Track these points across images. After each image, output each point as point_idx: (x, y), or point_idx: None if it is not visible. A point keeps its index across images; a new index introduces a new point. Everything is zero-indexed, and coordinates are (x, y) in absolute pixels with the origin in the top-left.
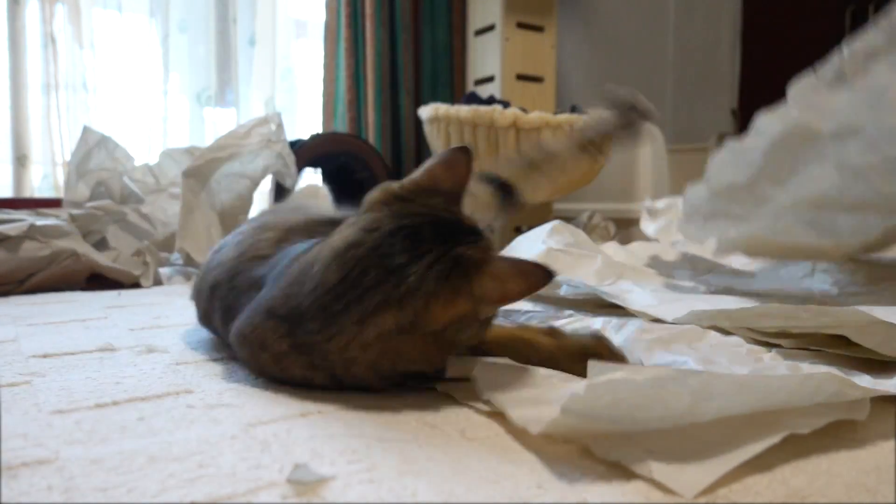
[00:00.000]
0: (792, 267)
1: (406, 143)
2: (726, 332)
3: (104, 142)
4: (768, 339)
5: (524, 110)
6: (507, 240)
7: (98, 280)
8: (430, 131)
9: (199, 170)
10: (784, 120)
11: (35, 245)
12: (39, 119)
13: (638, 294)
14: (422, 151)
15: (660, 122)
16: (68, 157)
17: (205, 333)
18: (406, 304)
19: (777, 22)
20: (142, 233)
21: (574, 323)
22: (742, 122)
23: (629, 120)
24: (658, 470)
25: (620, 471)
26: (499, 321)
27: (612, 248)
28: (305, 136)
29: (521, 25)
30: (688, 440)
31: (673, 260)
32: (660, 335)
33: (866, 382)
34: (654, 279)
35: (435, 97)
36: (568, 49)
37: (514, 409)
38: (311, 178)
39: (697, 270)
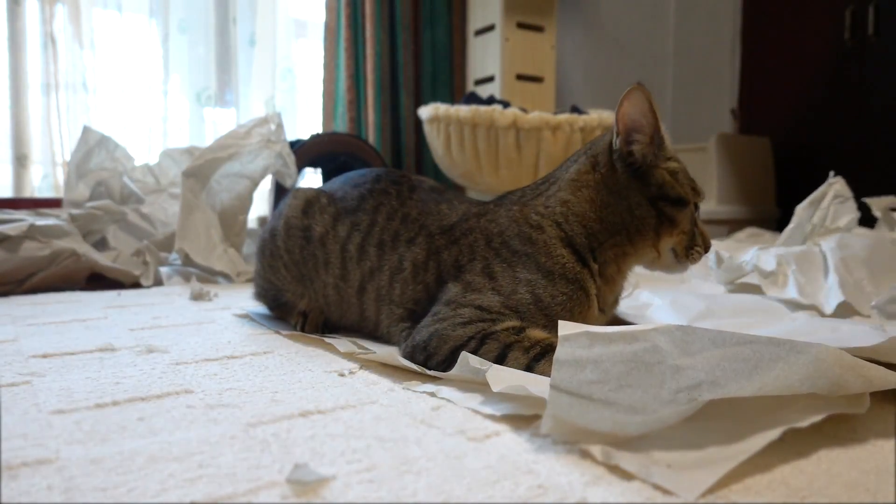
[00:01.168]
0: None
1: (406, 143)
2: None
3: (104, 142)
4: None
5: (524, 110)
6: None
7: (98, 280)
8: (430, 131)
9: (199, 170)
10: None
11: (35, 245)
12: (39, 119)
13: (660, 308)
14: (422, 151)
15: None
16: (68, 157)
17: (204, 333)
18: (595, 144)
19: (777, 22)
20: (142, 233)
21: None
22: (742, 121)
23: None
24: (658, 473)
25: (620, 471)
26: None
27: None
28: (305, 136)
29: (521, 25)
30: (687, 441)
31: None
32: None
33: None
34: (669, 284)
35: (435, 97)
36: (568, 49)
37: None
38: (311, 178)
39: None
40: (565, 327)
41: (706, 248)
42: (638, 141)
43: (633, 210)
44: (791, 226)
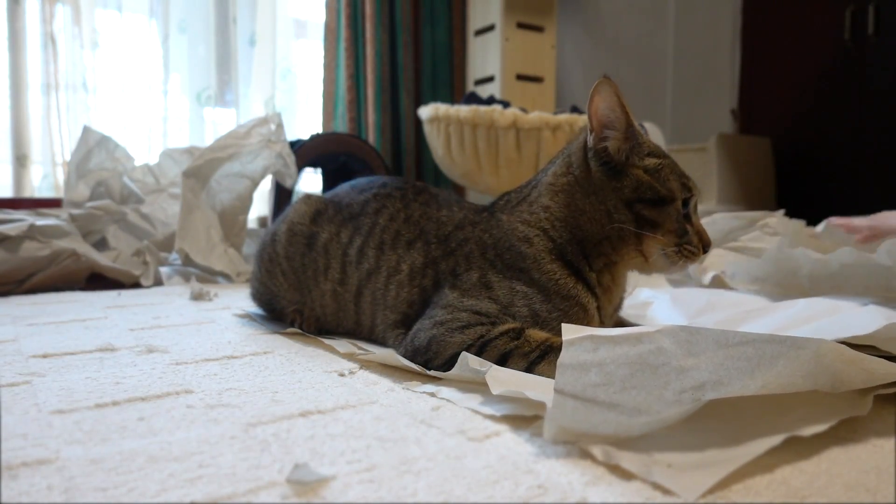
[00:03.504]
0: None
1: (406, 143)
2: None
3: (104, 142)
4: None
5: (524, 110)
6: None
7: (98, 280)
8: (430, 131)
9: (199, 170)
10: None
11: (35, 245)
12: (39, 119)
13: (661, 305)
14: (422, 151)
15: (660, 121)
16: (68, 157)
17: (204, 333)
18: (568, 147)
19: (777, 22)
20: (142, 233)
21: None
22: (742, 121)
23: None
24: (658, 473)
25: (620, 471)
26: None
27: None
28: (305, 136)
29: (521, 25)
30: (688, 442)
31: None
32: None
33: None
34: (666, 282)
35: (435, 97)
36: (568, 49)
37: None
38: (311, 178)
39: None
40: (569, 331)
41: (704, 247)
42: (611, 137)
43: (611, 215)
44: (704, 221)
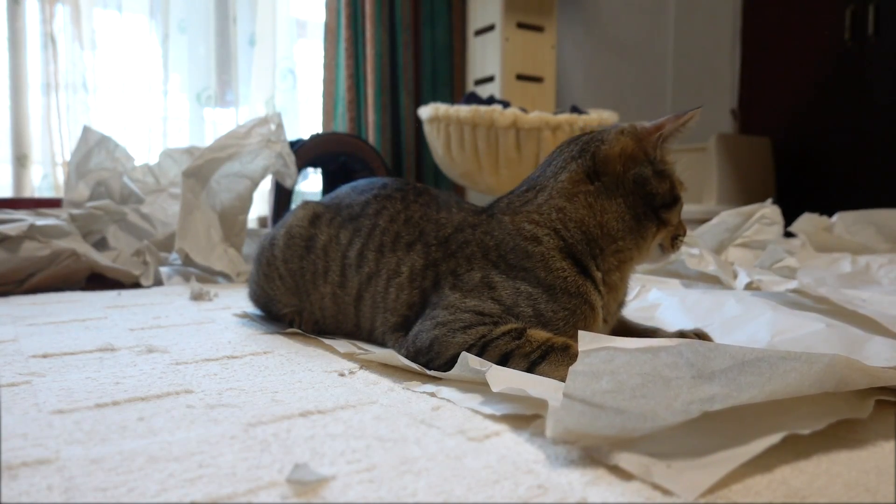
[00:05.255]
0: None
1: (406, 143)
2: None
3: (104, 142)
4: None
5: (524, 110)
6: None
7: (98, 280)
8: (429, 131)
9: (199, 170)
10: None
11: (35, 245)
12: (39, 119)
13: (669, 307)
14: (422, 151)
15: None
16: (68, 157)
17: (204, 333)
18: (585, 151)
19: (777, 22)
20: (142, 233)
21: None
22: (742, 121)
23: None
24: (658, 473)
25: (620, 471)
26: None
27: None
28: (305, 136)
29: (521, 25)
30: (687, 441)
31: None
32: None
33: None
34: (674, 282)
35: (435, 97)
36: (568, 49)
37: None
38: (312, 178)
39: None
40: (586, 341)
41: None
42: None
43: (640, 220)
44: (713, 222)
